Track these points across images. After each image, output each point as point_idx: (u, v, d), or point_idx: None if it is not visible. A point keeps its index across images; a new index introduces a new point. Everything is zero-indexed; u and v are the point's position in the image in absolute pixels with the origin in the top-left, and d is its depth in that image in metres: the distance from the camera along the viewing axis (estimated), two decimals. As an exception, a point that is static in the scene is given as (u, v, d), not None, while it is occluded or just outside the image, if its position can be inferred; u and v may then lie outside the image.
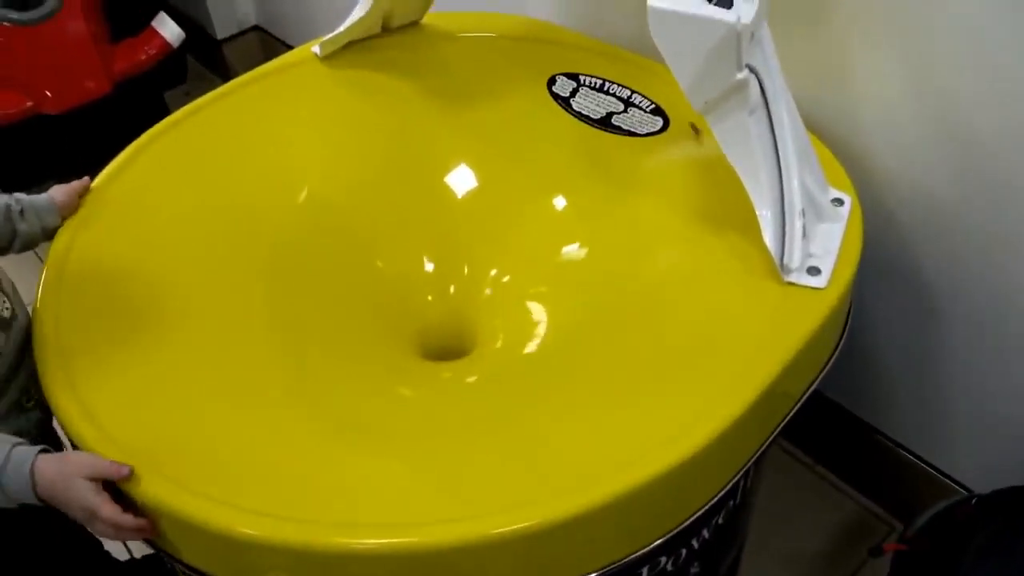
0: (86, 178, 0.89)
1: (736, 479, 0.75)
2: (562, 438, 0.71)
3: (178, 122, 1.01)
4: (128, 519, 0.65)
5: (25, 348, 0.77)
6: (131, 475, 0.64)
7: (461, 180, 1.00)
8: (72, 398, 0.71)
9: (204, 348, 0.78)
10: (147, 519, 0.66)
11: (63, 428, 0.71)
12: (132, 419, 0.70)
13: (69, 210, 0.86)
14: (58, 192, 0.85)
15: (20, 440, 0.68)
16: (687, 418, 0.69)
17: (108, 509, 0.64)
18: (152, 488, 0.65)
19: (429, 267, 0.97)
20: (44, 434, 0.80)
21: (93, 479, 0.64)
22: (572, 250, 0.92)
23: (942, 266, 0.94)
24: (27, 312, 0.80)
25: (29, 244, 0.83)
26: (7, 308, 0.76)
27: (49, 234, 0.85)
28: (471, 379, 0.87)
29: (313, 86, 1.05)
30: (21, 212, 0.82)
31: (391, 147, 1.01)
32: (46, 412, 0.78)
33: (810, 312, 0.75)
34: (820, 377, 0.82)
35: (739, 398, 0.70)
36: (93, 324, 0.78)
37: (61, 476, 0.65)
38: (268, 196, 0.94)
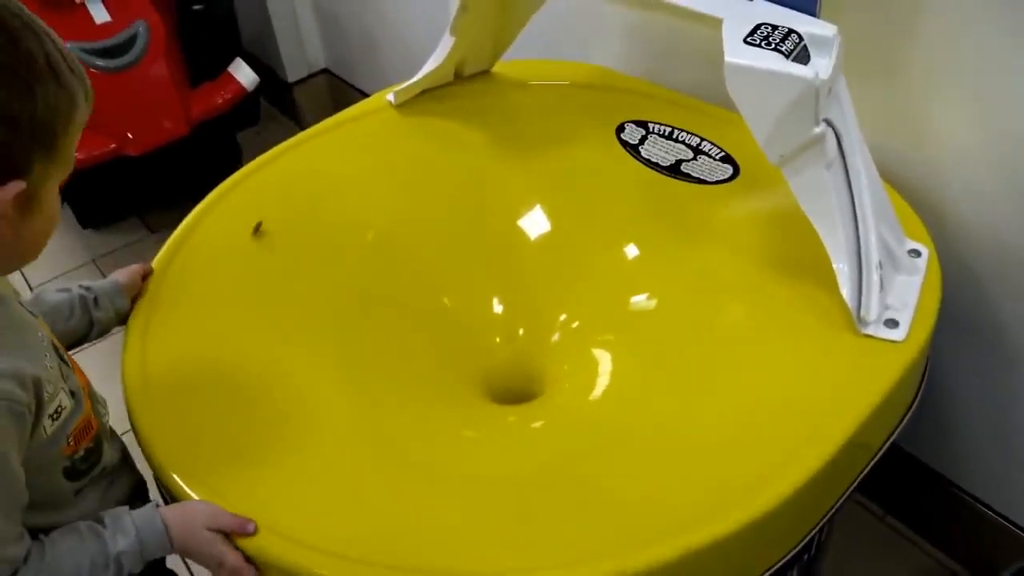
0: (150, 264, 0.90)
1: (812, 534, 0.74)
2: (631, 490, 0.71)
3: (256, 169, 1.04)
4: (252, 570, 0.67)
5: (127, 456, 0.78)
6: (256, 531, 0.66)
7: (531, 225, 1.01)
8: (181, 467, 0.72)
9: (286, 399, 0.79)
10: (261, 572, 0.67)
11: (173, 494, 0.72)
12: (234, 476, 0.72)
13: (132, 291, 0.86)
14: (121, 275, 0.86)
15: (124, 507, 0.69)
16: (762, 473, 0.68)
17: (233, 557, 0.66)
18: (266, 543, 0.66)
19: (498, 309, 0.98)
20: None
21: (215, 530, 0.66)
22: (642, 298, 0.92)
23: (1019, 319, 0.92)
24: None
25: (104, 330, 0.83)
26: (107, 417, 0.75)
27: (122, 318, 0.85)
28: (537, 424, 0.87)
29: (387, 133, 1.08)
30: (95, 300, 0.82)
31: (462, 192, 1.03)
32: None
33: (888, 366, 0.74)
34: (897, 431, 0.80)
35: (815, 453, 0.69)
36: (181, 391, 0.79)
37: (187, 526, 0.67)
38: (341, 240, 0.97)
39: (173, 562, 0.78)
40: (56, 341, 0.71)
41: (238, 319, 0.87)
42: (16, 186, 0.58)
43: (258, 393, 0.80)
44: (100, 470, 0.72)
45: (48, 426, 0.65)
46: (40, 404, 0.63)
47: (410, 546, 0.67)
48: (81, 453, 0.69)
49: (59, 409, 0.66)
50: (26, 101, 0.57)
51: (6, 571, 0.61)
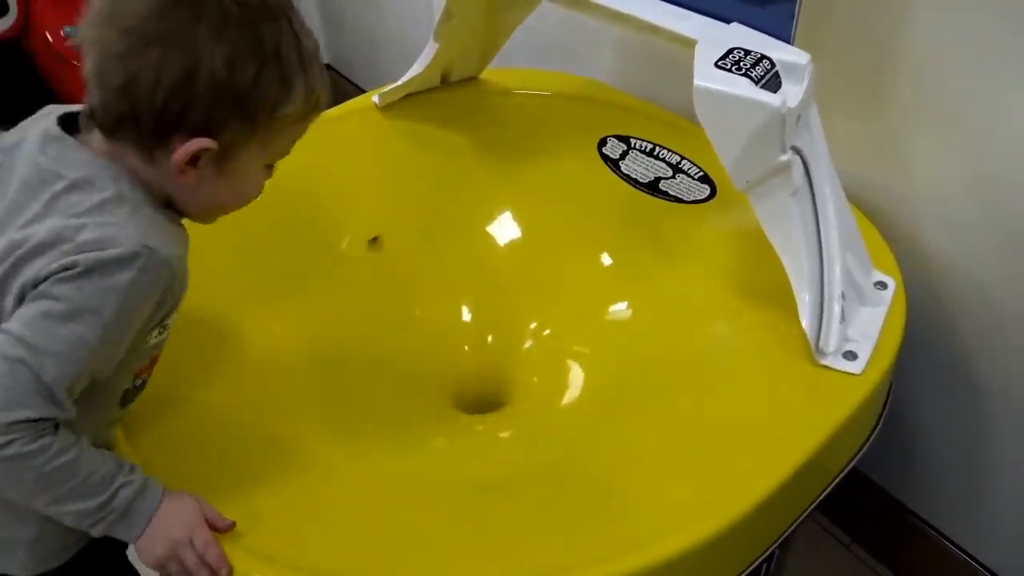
0: None
1: (762, 557, 0.74)
2: (590, 506, 0.71)
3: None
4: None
5: None
6: (232, 527, 0.64)
7: (505, 233, 1.02)
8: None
9: (250, 400, 0.78)
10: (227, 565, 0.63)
11: None
12: (192, 478, 0.69)
13: None
14: None
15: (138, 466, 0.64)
16: (714, 494, 0.69)
17: (193, 560, 0.62)
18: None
19: (467, 317, 0.98)
20: None
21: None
22: (613, 311, 0.93)
23: (987, 354, 0.91)
24: None
25: None
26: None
27: None
28: (504, 434, 0.88)
29: (370, 134, 1.08)
30: None
31: (440, 197, 1.03)
32: None
33: (844, 398, 0.74)
34: (853, 461, 0.80)
35: (765, 478, 0.69)
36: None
37: (178, 516, 0.63)
38: (315, 239, 0.97)
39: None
40: None
41: (200, 322, 0.84)
42: (199, 143, 0.59)
43: (220, 399, 0.78)
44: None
45: (155, 335, 0.63)
46: (168, 312, 0.62)
47: (375, 556, 0.66)
48: (139, 382, 0.66)
49: (167, 325, 0.64)
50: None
51: (41, 425, 0.55)
